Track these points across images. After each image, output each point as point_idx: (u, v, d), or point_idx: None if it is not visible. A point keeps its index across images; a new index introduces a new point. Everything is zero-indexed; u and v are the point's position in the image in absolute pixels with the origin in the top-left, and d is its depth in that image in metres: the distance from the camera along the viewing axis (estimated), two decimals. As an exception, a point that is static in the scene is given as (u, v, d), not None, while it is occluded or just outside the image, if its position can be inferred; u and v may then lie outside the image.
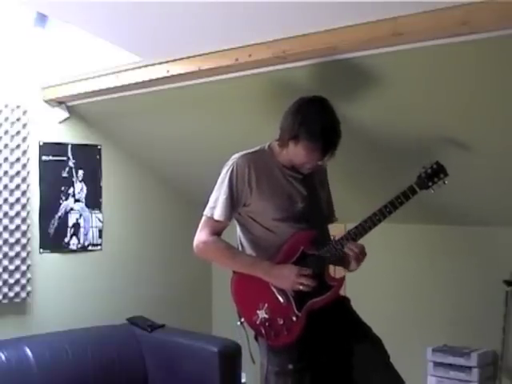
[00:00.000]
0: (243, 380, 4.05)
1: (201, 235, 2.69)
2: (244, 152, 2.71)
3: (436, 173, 2.67)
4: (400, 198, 2.62)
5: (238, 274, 2.70)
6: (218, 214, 2.65)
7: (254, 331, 2.69)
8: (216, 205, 2.66)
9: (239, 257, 2.71)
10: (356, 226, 2.64)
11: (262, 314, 2.63)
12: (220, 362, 3.74)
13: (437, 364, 3.54)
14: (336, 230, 2.72)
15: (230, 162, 2.68)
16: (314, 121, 2.57)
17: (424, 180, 2.66)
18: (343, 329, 2.70)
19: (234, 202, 2.65)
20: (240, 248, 2.76)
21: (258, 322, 2.63)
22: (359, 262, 2.66)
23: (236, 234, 2.79)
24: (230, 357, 3.78)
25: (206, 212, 2.70)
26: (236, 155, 2.70)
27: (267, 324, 2.62)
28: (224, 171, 2.68)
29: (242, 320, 2.68)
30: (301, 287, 2.58)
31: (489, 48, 2.43)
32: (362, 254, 2.64)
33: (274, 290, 2.63)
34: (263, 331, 2.62)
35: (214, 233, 2.68)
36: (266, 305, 2.63)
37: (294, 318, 2.62)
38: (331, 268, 2.77)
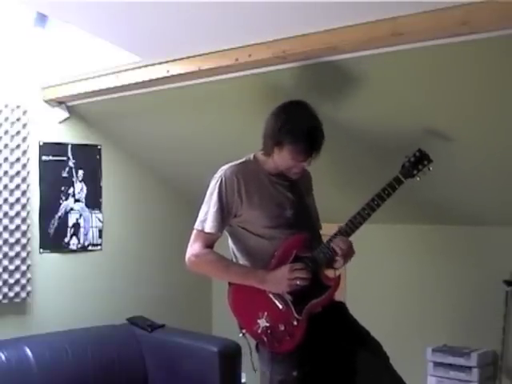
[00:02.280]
0: (243, 380, 4.04)
1: (192, 249, 2.68)
2: (230, 164, 2.71)
3: (419, 160, 2.69)
4: (387, 189, 2.63)
5: (234, 285, 2.68)
6: (210, 227, 2.64)
7: (256, 341, 2.67)
8: (206, 217, 2.65)
9: (232, 268, 2.69)
10: (346, 222, 2.63)
11: (262, 322, 2.60)
12: (220, 362, 3.74)
13: (437, 364, 3.54)
14: (332, 230, 2.72)
15: (217, 175, 2.68)
16: (295, 124, 2.58)
17: (409, 169, 2.67)
18: (342, 334, 2.69)
19: (224, 214, 2.64)
20: (234, 260, 2.75)
21: (259, 331, 2.61)
22: (346, 260, 2.65)
23: (228, 247, 2.77)
24: (230, 357, 3.78)
25: (197, 225, 2.69)
26: (223, 167, 2.70)
27: (269, 332, 2.60)
28: (212, 184, 2.68)
29: (244, 331, 2.66)
30: (298, 282, 2.57)
31: (489, 48, 2.43)
32: (349, 251, 2.62)
33: (272, 296, 2.62)
34: (266, 339, 2.61)
35: (206, 246, 2.66)
36: (266, 313, 2.61)
37: (295, 323, 2.60)
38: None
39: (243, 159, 2.76)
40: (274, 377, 2.64)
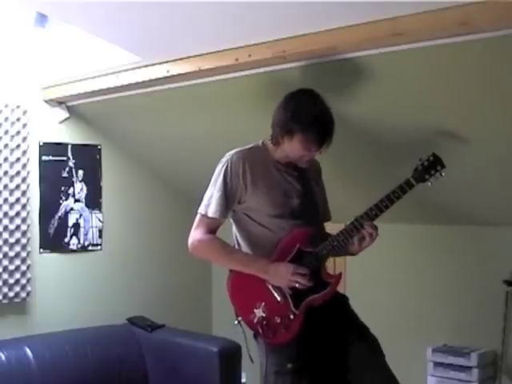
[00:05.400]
0: (243, 380, 4.05)
1: (196, 233, 2.66)
2: (238, 149, 2.69)
3: (433, 165, 2.63)
4: (397, 192, 2.59)
5: (235, 272, 2.68)
6: (213, 211, 2.63)
7: (251, 330, 2.67)
8: (210, 202, 2.64)
9: (235, 255, 2.69)
10: (352, 221, 2.61)
11: (259, 312, 2.61)
12: (220, 362, 3.74)
13: (437, 364, 3.54)
14: (336, 229, 2.71)
15: (224, 159, 2.67)
16: (305, 112, 2.55)
17: (421, 172, 2.62)
18: (340, 327, 2.69)
19: (228, 199, 2.62)
20: (237, 246, 2.74)
21: (255, 321, 2.62)
22: (371, 242, 2.62)
23: (232, 233, 2.77)
24: (230, 357, 3.78)
25: (201, 209, 2.67)
26: (230, 152, 2.68)
27: (265, 323, 2.60)
28: (218, 168, 2.66)
29: (240, 319, 2.66)
30: (297, 285, 2.58)
31: (488, 48, 2.43)
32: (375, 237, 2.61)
33: (271, 288, 2.62)
34: (261, 330, 2.61)
35: (209, 231, 2.65)
36: (263, 303, 2.61)
37: (292, 316, 2.60)
38: (328, 265, 2.75)
39: (251, 145, 2.73)
40: (270, 367, 2.65)
